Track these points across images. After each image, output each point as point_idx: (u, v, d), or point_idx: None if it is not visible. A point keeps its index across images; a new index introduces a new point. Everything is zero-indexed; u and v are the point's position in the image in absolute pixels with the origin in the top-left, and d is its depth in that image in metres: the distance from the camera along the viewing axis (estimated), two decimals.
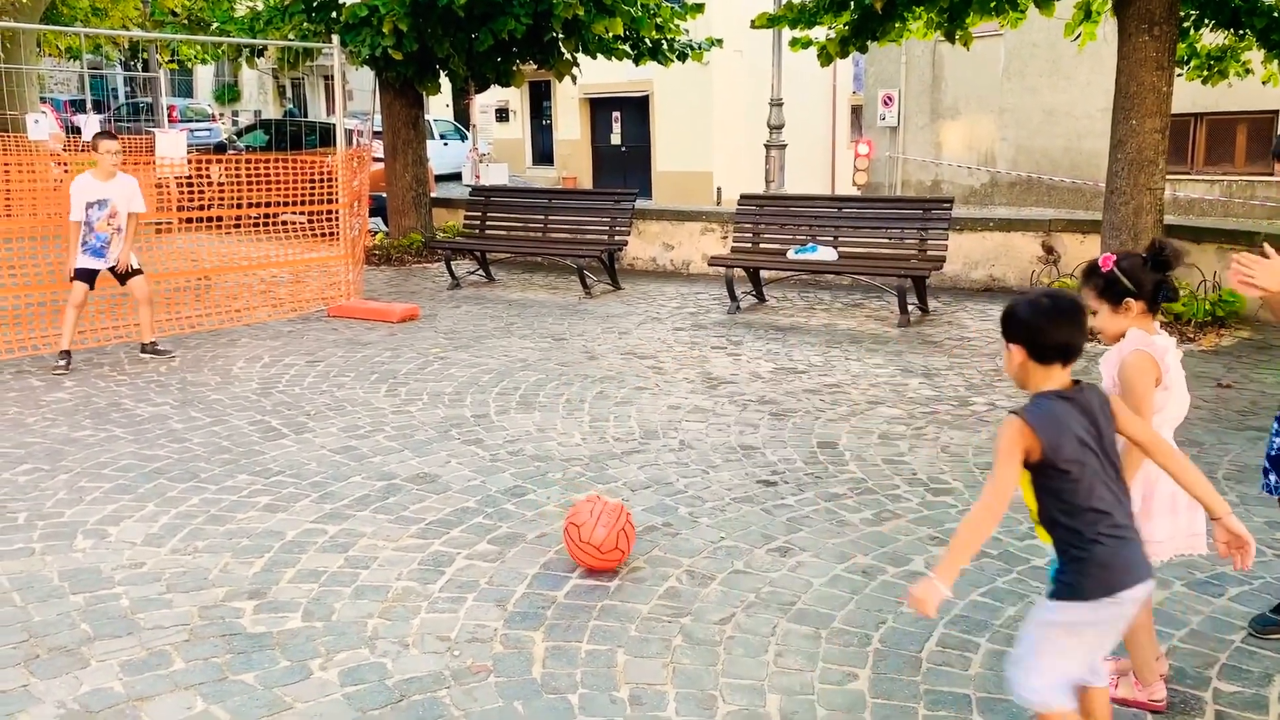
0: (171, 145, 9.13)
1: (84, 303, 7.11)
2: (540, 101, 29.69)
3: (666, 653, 3.29)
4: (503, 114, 29.78)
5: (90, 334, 7.76)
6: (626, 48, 12.80)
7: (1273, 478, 3.29)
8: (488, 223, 11.05)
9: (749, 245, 9.58)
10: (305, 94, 41.47)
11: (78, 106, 28.76)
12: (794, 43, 11.08)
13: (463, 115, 28.07)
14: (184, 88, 42.04)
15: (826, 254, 8.97)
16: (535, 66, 12.79)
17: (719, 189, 23.62)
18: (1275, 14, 8.70)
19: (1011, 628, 3.42)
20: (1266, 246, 2.81)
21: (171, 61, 28.06)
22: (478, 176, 20.20)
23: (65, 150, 12.32)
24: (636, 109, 26.38)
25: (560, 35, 11.96)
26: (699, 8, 13.03)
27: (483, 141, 24.07)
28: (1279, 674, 3.13)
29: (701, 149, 24.69)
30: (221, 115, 37.63)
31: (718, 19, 18.32)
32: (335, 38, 10.30)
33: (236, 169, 9.32)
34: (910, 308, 8.54)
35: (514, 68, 12.38)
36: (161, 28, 18.53)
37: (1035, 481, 2.33)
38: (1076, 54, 12.25)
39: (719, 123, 24.59)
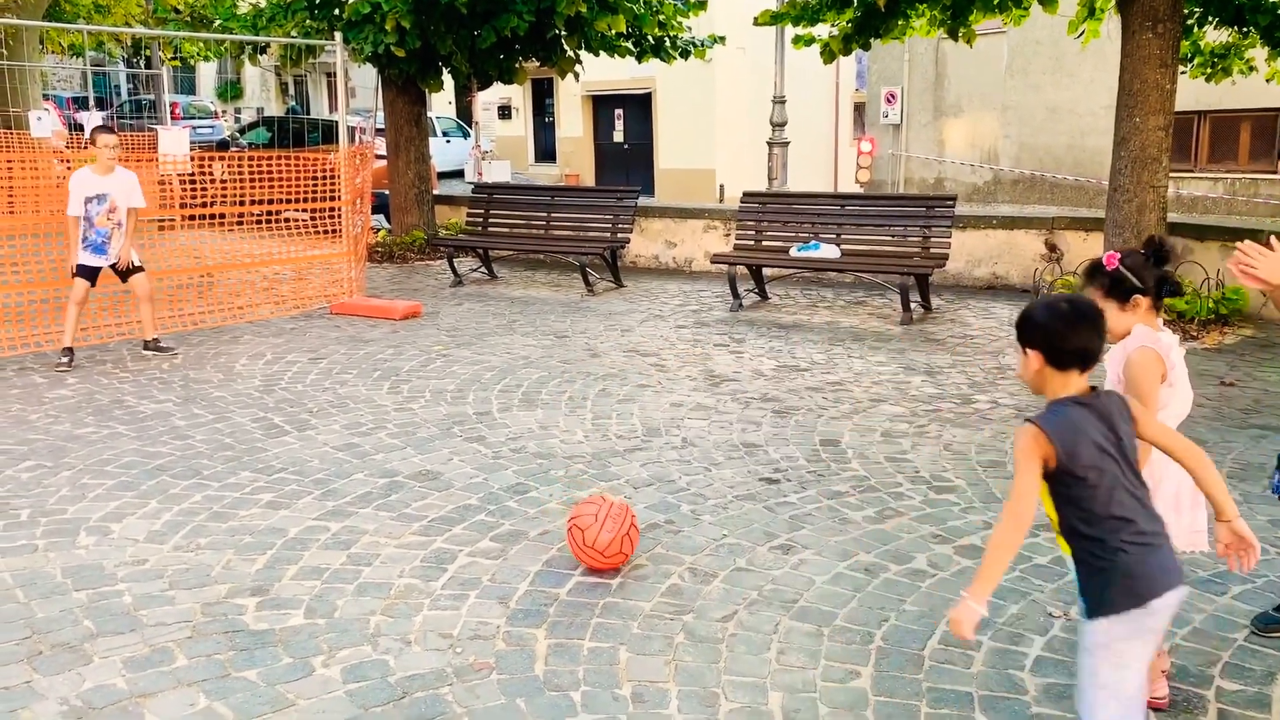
0: (174, 142, 9.14)
1: (85, 300, 7.11)
2: (543, 99, 29.67)
3: (669, 650, 3.29)
4: (505, 111, 29.77)
5: (93, 331, 7.76)
6: (629, 45, 12.80)
7: (1278, 477, 3.29)
8: (490, 220, 11.05)
9: (751, 243, 9.57)
10: (308, 91, 41.48)
11: (81, 103, 28.77)
12: (797, 40, 11.08)
13: (465, 112, 28.11)
14: (186, 85, 42.05)
15: (829, 251, 8.97)
16: (538, 64, 12.78)
17: (721, 186, 23.61)
18: (1279, 11, 8.68)
19: (1014, 626, 3.42)
20: (1274, 239, 2.80)
21: (174, 58, 28.06)
22: (480, 174, 20.22)
23: (68, 147, 12.33)
24: (639, 106, 26.36)
25: (563, 32, 11.96)
26: (701, 5, 13.02)
27: (485, 139, 24.10)
28: None
29: (704, 146, 24.67)
30: (224, 112, 37.67)
31: (720, 16, 18.30)
32: (338, 35, 10.30)
33: (239, 166, 9.32)
34: (913, 305, 8.53)
35: (516, 65, 12.37)
36: (164, 25, 18.54)
37: (1054, 491, 2.28)
38: (1080, 51, 12.24)
39: (722, 120, 24.57)
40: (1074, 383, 2.31)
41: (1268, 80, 10.97)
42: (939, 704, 2.99)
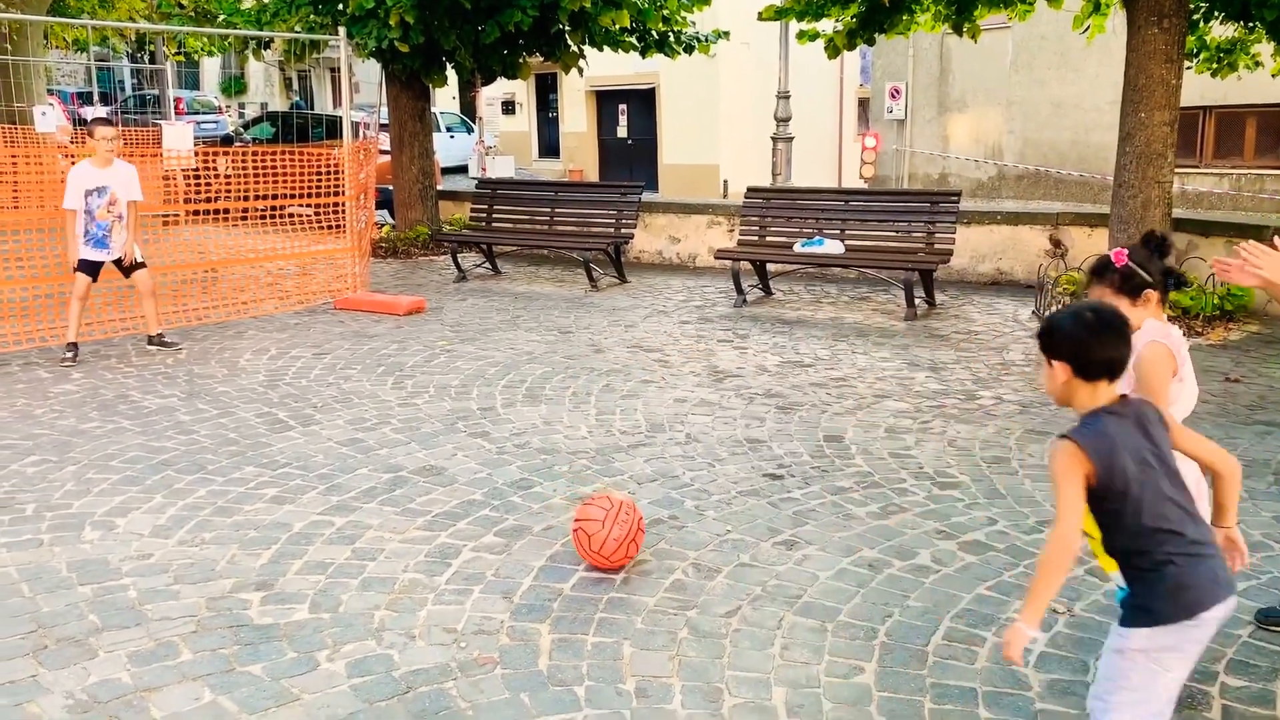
0: (178, 138, 9.14)
1: (87, 295, 7.12)
2: (546, 94, 29.66)
3: (672, 645, 3.30)
4: (509, 106, 29.75)
5: (97, 326, 7.77)
6: (633, 40, 12.78)
7: None
8: (494, 215, 11.05)
9: (755, 238, 9.56)
10: (312, 86, 41.48)
11: (85, 99, 28.79)
12: (801, 35, 11.06)
13: (469, 108, 28.10)
14: (190, 80, 42.07)
15: (833, 247, 8.96)
16: (541, 59, 12.76)
17: (725, 182, 23.57)
18: None
19: None
20: (1277, 239, 2.80)
21: (178, 54, 28.04)
22: (484, 169, 20.22)
23: (73, 142, 12.33)
24: (643, 101, 26.33)
25: (567, 27, 11.94)
26: (705, 0, 12.98)
27: (489, 134, 24.08)
28: None
29: (708, 142, 24.64)
30: (228, 108, 37.67)
31: (724, 11, 18.24)
32: (342, 30, 10.29)
33: (243, 161, 9.33)
34: (917, 301, 8.52)
35: (520, 60, 12.36)
36: (168, 20, 18.52)
37: (1094, 507, 2.21)
38: (1085, 46, 12.21)
39: (725, 115, 24.54)
40: (1103, 393, 2.25)
41: (1274, 75, 10.93)
42: (943, 699, 2.99)
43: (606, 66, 17.62)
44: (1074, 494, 2.16)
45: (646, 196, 11.23)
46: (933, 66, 21.97)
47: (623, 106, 27.07)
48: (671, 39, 13.16)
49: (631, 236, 10.49)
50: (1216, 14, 9.33)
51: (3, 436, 5.39)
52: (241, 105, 40.66)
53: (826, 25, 10.71)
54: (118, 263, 7.19)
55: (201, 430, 5.50)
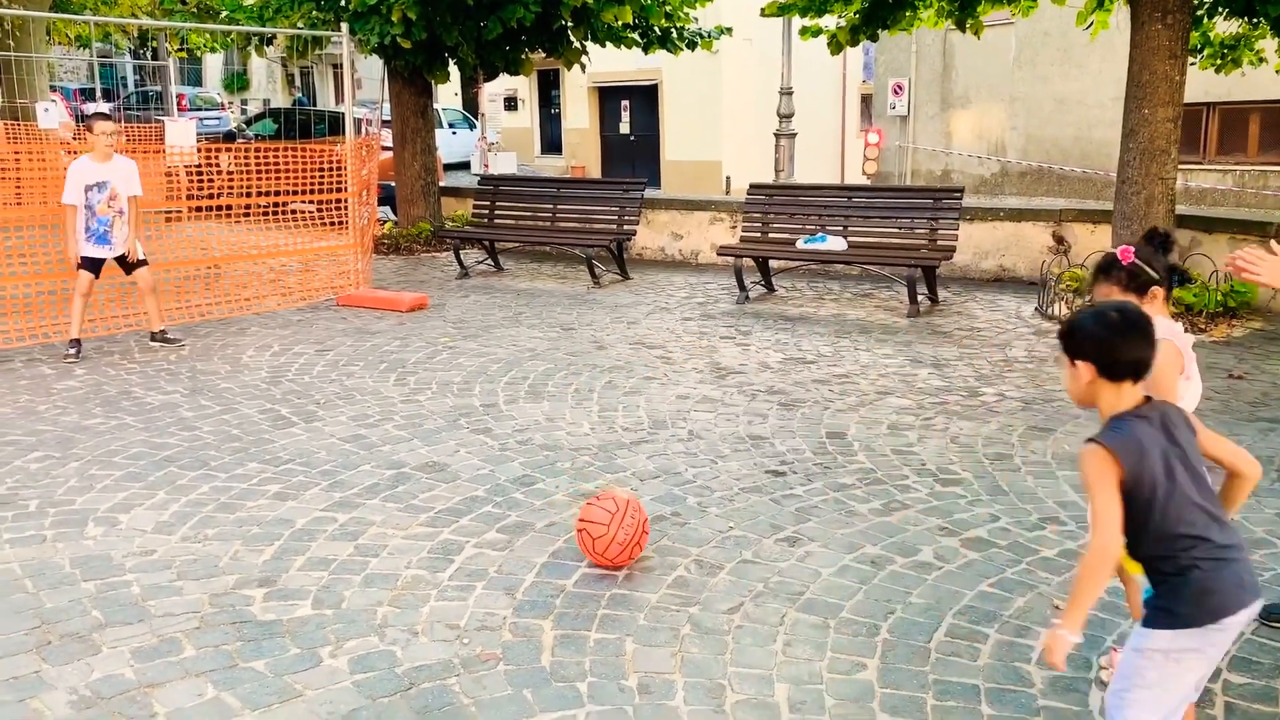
0: (181, 134, 9.14)
1: (90, 291, 7.12)
2: (549, 90, 29.65)
3: (675, 642, 3.30)
4: (511, 103, 29.72)
5: (100, 322, 7.78)
6: (636, 36, 12.76)
7: None
8: (496, 212, 11.04)
9: (758, 235, 9.56)
10: (314, 82, 41.48)
11: (87, 95, 28.83)
12: (804, 31, 11.03)
13: (471, 104, 28.08)
14: (193, 76, 42.08)
15: (836, 244, 8.95)
16: (544, 55, 12.76)
17: (728, 178, 23.57)
18: None
19: (1021, 619, 3.42)
20: (1273, 243, 2.81)
21: (181, 50, 28.06)
22: (486, 165, 20.21)
23: (75, 139, 12.34)
24: (645, 98, 26.31)
25: (569, 23, 11.93)
26: None
27: (491, 130, 24.05)
28: None
29: (710, 138, 24.62)
30: (230, 104, 37.68)
31: (727, 7, 18.21)
32: (344, 26, 10.29)
33: (245, 158, 9.33)
34: (920, 298, 8.52)
35: (523, 56, 12.35)
36: (170, 16, 18.52)
37: (1122, 511, 2.18)
38: (1088, 43, 12.17)
39: (728, 112, 24.52)
40: (1127, 394, 2.23)
41: (1277, 71, 10.89)
42: (945, 696, 2.99)
43: (609, 63, 17.60)
44: (1110, 499, 2.13)
45: (649, 193, 11.23)
46: (936, 62, 21.94)
47: (625, 103, 27.06)
48: (674, 35, 13.14)
49: (634, 233, 10.48)
50: (1220, 10, 9.30)
51: (6, 433, 5.40)
52: (244, 101, 40.68)
53: (829, 21, 10.70)
54: (121, 260, 7.20)
55: (204, 426, 5.51)
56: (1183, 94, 8.03)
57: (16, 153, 9.10)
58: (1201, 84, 13.37)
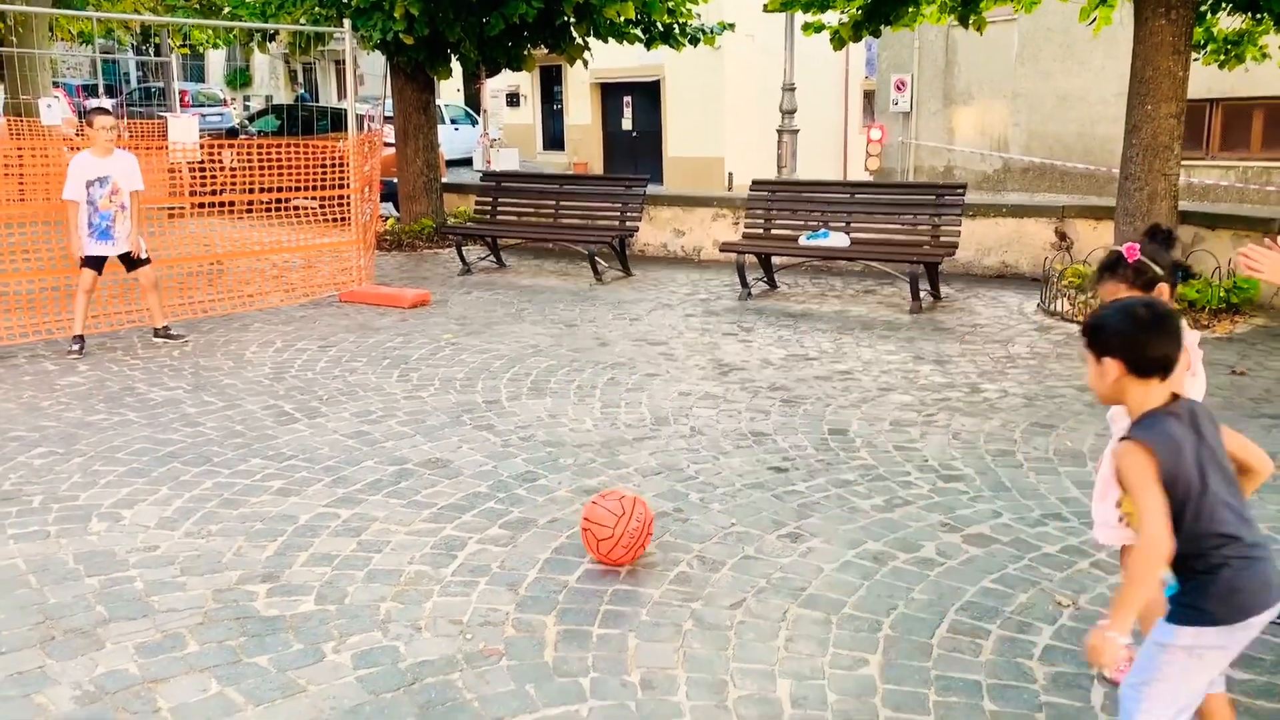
0: (184, 130, 9.14)
1: (93, 288, 7.13)
2: (551, 86, 29.62)
3: (677, 637, 3.30)
4: (514, 99, 29.71)
5: (103, 318, 7.79)
6: (638, 32, 12.76)
7: None
8: (499, 208, 11.05)
9: (760, 231, 9.55)
10: (316, 79, 41.48)
11: (90, 91, 28.83)
12: (807, 27, 11.03)
13: (473, 100, 28.05)
14: (196, 72, 42.09)
15: (838, 240, 8.94)
16: (546, 51, 12.75)
17: (730, 174, 23.55)
18: None
19: (1023, 614, 3.42)
20: (1268, 240, 2.81)
21: (183, 46, 28.05)
22: (489, 162, 20.19)
23: (78, 135, 12.34)
24: (648, 94, 26.29)
25: (571, 19, 11.92)
26: None
27: (493, 126, 24.04)
28: None
29: (713, 134, 24.60)
30: (233, 100, 37.69)
31: (729, 3, 18.22)
32: (346, 22, 10.29)
33: (248, 154, 9.33)
34: (922, 294, 8.51)
35: (525, 52, 12.35)
36: (173, 12, 18.54)
37: None
38: (1091, 38, 12.15)
39: (731, 108, 24.49)
40: (1155, 392, 2.21)
41: None
42: (947, 692, 3.00)
43: (611, 59, 17.57)
44: (1155, 496, 2.11)
45: (651, 189, 11.22)
46: (938, 59, 21.90)
47: (628, 99, 27.03)
48: (676, 31, 13.13)
49: (636, 229, 10.48)
50: (1224, 5, 9.29)
51: (10, 428, 5.41)
52: (246, 98, 40.67)
53: (832, 17, 10.69)
54: (124, 257, 7.20)
55: (207, 422, 5.52)
56: (1186, 90, 8.02)
57: (20, 149, 9.12)
58: (1205, 80, 13.34)
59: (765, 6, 11.11)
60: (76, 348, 6.98)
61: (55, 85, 21.69)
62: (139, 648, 3.24)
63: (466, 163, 24.95)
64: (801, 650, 3.23)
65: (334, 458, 4.96)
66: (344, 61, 10.24)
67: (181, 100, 27.68)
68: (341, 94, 35.47)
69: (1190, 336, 2.81)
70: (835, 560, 3.84)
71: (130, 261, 7.23)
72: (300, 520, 4.22)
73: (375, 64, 16.48)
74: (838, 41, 10.37)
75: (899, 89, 22.49)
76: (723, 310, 8.55)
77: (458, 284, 9.86)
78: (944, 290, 8.99)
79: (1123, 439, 2.18)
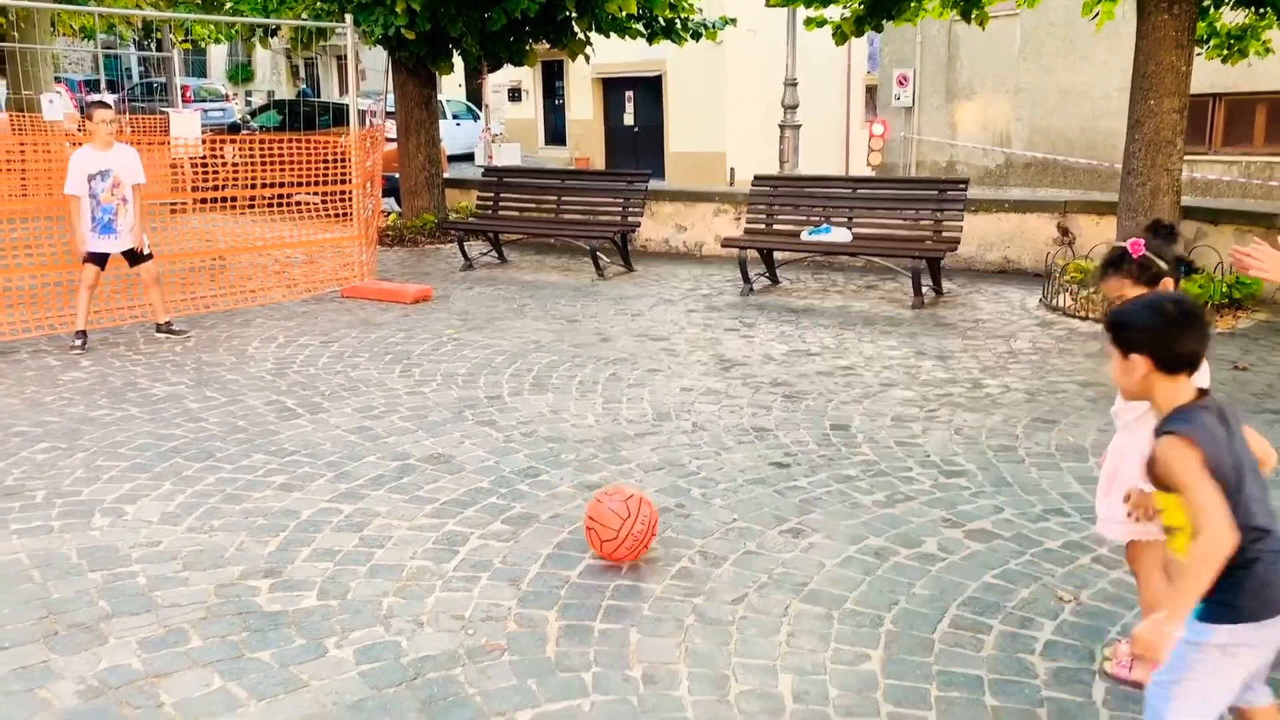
0: (186, 125, 9.15)
1: (96, 284, 7.13)
2: (553, 81, 29.60)
3: (679, 632, 3.31)
4: (515, 94, 29.71)
5: (105, 314, 7.79)
6: (640, 26, 12.75)
7: None
8: (500, 204, 11.05)
9: (762, 227, 9.54)
10: (318, 74, 41.46)
11: (92, 86, 28.82)
12: (809, 22, 11.01)
13: (475, 95, 28.04)
14: (197, 68, 42.07)
15: (840, 235, 8.94)
16: (548, 46, 12.75)
17: (732, 170, 23.53)
18: None
19: (1025, 610, 3.43)
20: (1255, 239, 2.82)
21: (185, 41, 28.04)
22: (490, 157, 20.20)
23: (80, 130, 12.35)
24: (650, 89, 26.26)
25: (573, 14, 11.92)
26: None
27: (495, 122, 24.05)
28: None
29: (715, 129, 24.58)
30: (235, 95, 37.67)
31: None
32: (348, 17, 10.28)
33: (250, 149, 9.33)
34: (924, 290, 8.51)
35: (527, 47, 12.34)
36: (175, 7, 18.53)
37: None
38: (1094, 33, 12.13)
39: (733, 103, 24.46)
40: (1184, 387, 2.20)
41: None
42: (949, 687, 3.00)
43: (613, 53, 17.57)
44: (1209, 488, 2.07)
45: (653, 184, 11.22)
46: (940, 53, 21.86)
47: (629, 94, 27.01)
48: (678, 26, 13.12)
49: (638, 225, 10.47)
50: (1226, 0, 9.27)
51: (13, 424, 5.42)
52: (248, 93, 40.66)
53: (834, 12, 10.67)
54: (128, 253, 7.19)
55: (210, 418, 5.52)
56: (1189, 85, 8.00)
57: (22, 144, 9.12)
58: (1207, 74, 13.31)
59: (767, 1, 11.10)
60: (79, 343, 6.99)
61: (57, 80, 21.69)
62: (142, 643, 3.25)
63: (468, 158, 24.94)
64: (803, 645, 3.23)
65: (336, 453, 4.97)
66: (346, 56, 10.22)
67: (183, 95, 27.67)
68: (343, 89, 35.46)
69: None
70: (837, 555, 3.85)
71: (133, 257, 7.24)
72: (302, 515, 4.23)
73: (377, 59, 16.49)
74: (840, 36, 10.35)
75: (901, 84, 22.46)
76: (725, 306, 8.54)
77: (460, 279, 9.86)
78: (946, 285, 8.99)
79: (1162, 434, 2.15)
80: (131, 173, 7.12)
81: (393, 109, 12.90)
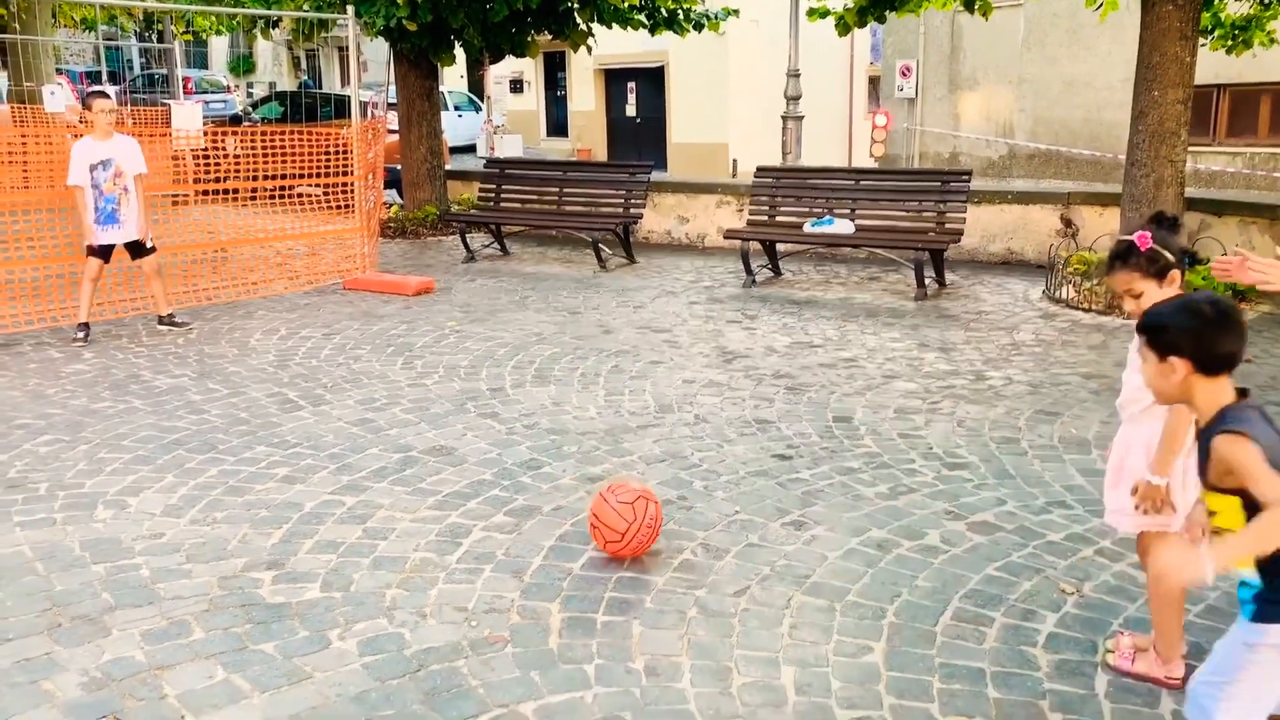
0: (187, 117, 9.13)
1: (99, 276, 7.14)
2: (555, 72, 29.54)
3: (682, 624, 3.31)
4: (517, 85, 29.64)
5: (108, 306, 7.79)
6: (642, 18, 12.72)
7: None
8: (502, 195, 11.03)
9: (765, 218, 9.53)
10: (320, 65, 41.40)
11: (93, 78, 28.81)
12: (811, 13, 10.99)
13: (477, 87, 27.99)
14: (199, 59, 42.01)
15: (843, 227, 8.92)
16: (550, 37, 12.71)
17: (735, 161, 23.49)
18: None
19: (1027, 602, 3.42)
20: (1240, 251, 2.81)
21: (186, 33, 28.00)
22: (492, 148, 20.17)
23: (82, 122, 12.34)
24: (652, 80, 26.21)
25: (575, 5, 11.88)
26: None
27: (497, 113, 24.00)
28: None
29: (717, 120, 24.53)
30: (236, 87, 37.63)
31: None
32: (350, 8, 10.26)
33: (252, 141, 9.31)
34: (927, 281, 8.49)
35: (529, 38, 12.31)
36: None
37: (1248, 504, 2.09)
38: (1098, 24, 12.09)
39: (735, 94, 24.41)
40: (1225, 388, 2.17)
41: None
42: (951, 679, 3.00)
43: (615, 44, 17.51)
44: (1274, 475, 2.03)
45: (655, 176, 11.20)
46: (944, 44, 21.81)
47: (631, 85, 26.95)
48: (681, 16, 13.09)
49: (640, 216, 10.46)
50: None
51: (16, 416, 5.42)
52: (250, 85, 40.61)
53: (837, 2, 10.66)
54: (131, 245, 7.19)
55: (212, 410, 5.53)
56: (1193, 75, 7.98)
57: (24, 136, 9.11)
58: (1212, 65, 13.28)
59: None
60: (82, 335, 6.99)
61: (58, 72, 21.66)
62: (145, 635, 3.25)
63: (470, 149, 24.90)
64: (805, 637, 3.23)
65: (339, 445, 4.97)
66: (347, 48, 10.20)
67: (184, 87, 27.63)
68: (345, 80, 35.41)
69: None
70: (839, 548, 3.85)
71: (136, 249, 7.23)
72: (305, 507, 4.23)
73: (379, 50, 16.45)
74: (842, 27, 10.32)
75: (904, 75, 22.41)
76: (727, 297, 8.54)
77: (461, 271, 9.86)
78: (949, 277, 8.97)
79: (1222, 432, 2.11)
80: (133, 163, 7.12)
81: (394, 101, 12.88)
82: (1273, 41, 10.99)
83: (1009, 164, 21.01)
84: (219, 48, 42.66)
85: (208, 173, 9.60)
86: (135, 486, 4.47)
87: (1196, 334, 2.16)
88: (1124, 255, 2.80)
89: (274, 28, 14.76)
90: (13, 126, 12.33)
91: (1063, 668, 3.05)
